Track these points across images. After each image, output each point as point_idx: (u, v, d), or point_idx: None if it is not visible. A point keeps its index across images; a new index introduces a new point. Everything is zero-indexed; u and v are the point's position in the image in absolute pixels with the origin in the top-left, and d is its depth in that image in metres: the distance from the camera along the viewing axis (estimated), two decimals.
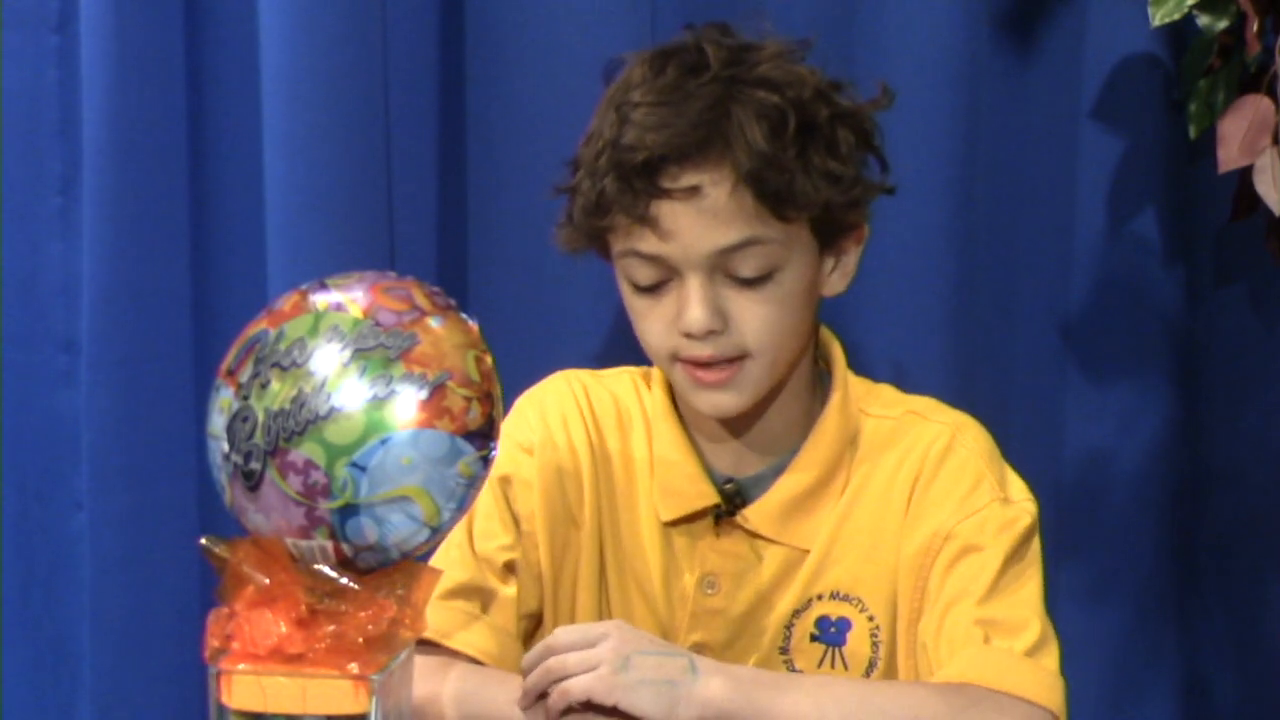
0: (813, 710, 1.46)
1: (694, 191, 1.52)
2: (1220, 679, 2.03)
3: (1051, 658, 1.53)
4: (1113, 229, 1.95)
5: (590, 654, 1.45)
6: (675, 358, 1.57)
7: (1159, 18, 1.74)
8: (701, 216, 1.52)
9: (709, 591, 1.62)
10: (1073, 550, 1.94)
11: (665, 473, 1.64)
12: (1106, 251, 1.96)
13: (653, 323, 1.57)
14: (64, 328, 2.02)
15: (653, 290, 1.57)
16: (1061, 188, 1.96)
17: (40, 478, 2.05)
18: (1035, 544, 1.58)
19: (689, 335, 1.55)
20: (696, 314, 1.54)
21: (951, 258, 1.91)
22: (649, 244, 1.54)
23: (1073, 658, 1.56)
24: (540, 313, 1.95)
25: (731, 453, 1.64)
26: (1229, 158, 1.74)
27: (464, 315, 1.36)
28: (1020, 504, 1.58)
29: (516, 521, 1.63)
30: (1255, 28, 1.71)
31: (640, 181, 1.52)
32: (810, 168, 1.53)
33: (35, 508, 2.05)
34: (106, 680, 2.00)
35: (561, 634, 1.48)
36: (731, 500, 1.63)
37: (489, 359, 1.35)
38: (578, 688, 1.44)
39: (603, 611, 1.65)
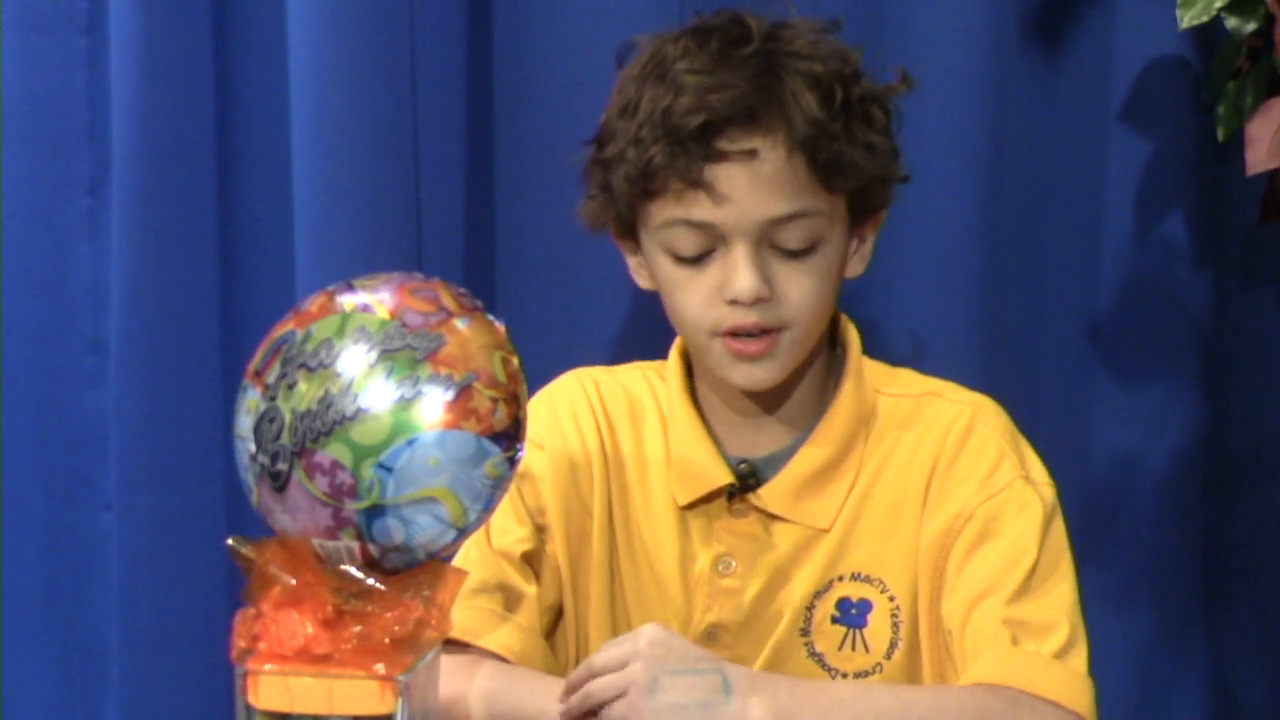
0: None
1: (751, 155, 1.52)
2: (1247, 681, 2.03)
3: (1080, 659, 1.52)
4: (1141, 231, 1.95)
5: (620, 678, 1.45)
6: (715, 331, 1.57)
7: (1187, 20, 1.73)
8: (757, 182, 1.53)
9: (724, 571, 1.62)
10: (1099, 552, 1.93)
11: (681, 457, 1.64)
12: (1134, 254, 1.96)
13: (693, 294, 1.57)
14: (92, 328, 2.02)
15: (695, 261, 1.56)
16: (1089, 190, 1.96)
17: (69, 478, 2.05)
18: (1061, 527, 1.58)
19: (735, 303, 1.55)
20: (747, 280, 1.54)
21: (979, 260, 1.91)
22: (701, 210, 1.54)
23: (1099, 660, 1.56)
24: (567, 314, 1.95)
25: (747, 435, 1.64)
26: (1257, 160, 1.73)
27: (491, 316, 1.36)
28: (1041, 485, 1.59)
29: (531, 515, 1.64)
30: None
31: (696, 145, 1.52)
32: (855, 139, 1.55)
33: (64, 507, 2.05)
34: (134, 680, 2.01)
35: (601, 654, 1.47)
36: (745, 480, 1.63)
37: (515, 360, 1.36)
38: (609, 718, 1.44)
39: (616, 601, 1.65)
